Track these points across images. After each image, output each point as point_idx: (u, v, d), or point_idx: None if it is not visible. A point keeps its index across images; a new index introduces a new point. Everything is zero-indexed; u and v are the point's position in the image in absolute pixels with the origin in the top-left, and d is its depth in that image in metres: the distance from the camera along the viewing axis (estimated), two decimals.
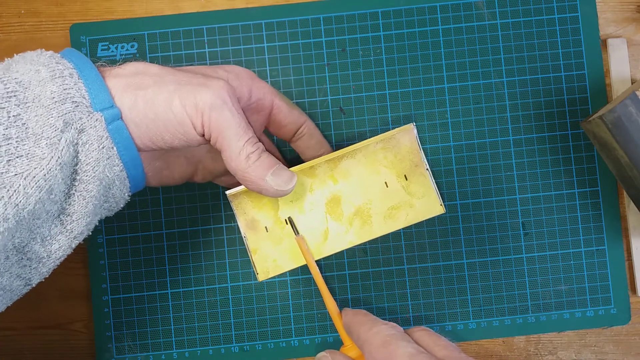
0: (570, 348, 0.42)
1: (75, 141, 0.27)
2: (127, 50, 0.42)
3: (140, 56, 0.42)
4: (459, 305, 0.41)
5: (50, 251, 0.29)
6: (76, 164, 0.28)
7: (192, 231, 0.42)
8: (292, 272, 0.41)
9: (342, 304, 0.41)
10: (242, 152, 0.31)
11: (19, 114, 0.26)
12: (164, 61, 0.42)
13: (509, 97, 0.42)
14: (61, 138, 0.27)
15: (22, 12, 0.43)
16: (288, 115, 0.37)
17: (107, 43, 0.42)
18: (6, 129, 0.26)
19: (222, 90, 0.30)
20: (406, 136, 0.36)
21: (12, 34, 0.43)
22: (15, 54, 0.30)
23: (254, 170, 0.31)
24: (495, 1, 0.42)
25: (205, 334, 0.42)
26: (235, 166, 0.31)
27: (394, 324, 0.33)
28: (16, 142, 0.26)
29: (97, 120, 0.28)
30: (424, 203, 0.36)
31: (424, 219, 0.36)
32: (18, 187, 0.26)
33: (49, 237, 0.29)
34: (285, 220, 0.36)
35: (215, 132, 0.30)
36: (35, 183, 0.26)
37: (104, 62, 0.37)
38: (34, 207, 0.26)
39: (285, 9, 0.42)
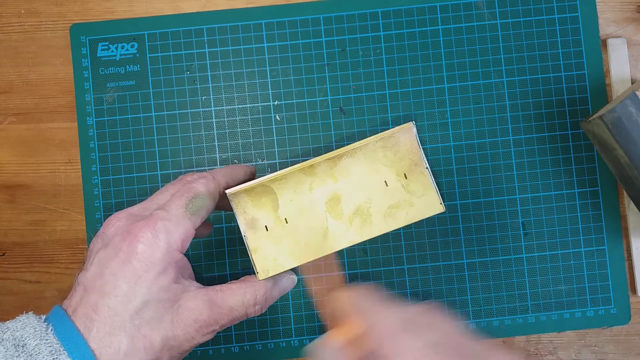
0: (570, 348, 0.42)
1: None
2: (127, 50, 0.42)
3: (140, 56, 0.42)
4: (459, 305, 0.41)
5: None
6: None
7: None
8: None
9: None
10: (246, 310, 0.34)
11: None
12: (164, 61, 0.42)
13: (509, 97, 0.42)
14: None
15: (22, 12, 0.43)
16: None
17: (107, 43, 0.42)
18: None
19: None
20: (406, 135, 0.36)
21: (12, 34, 0.43)
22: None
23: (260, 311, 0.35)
24: (495, 1, 0.42)
25: None
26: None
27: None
28: None
29: None
30: (424, 201, 0.36)
31: (424, 217, 0.36)
32: None
33: None
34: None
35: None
36: None
37: None
38: None
39: (285, 9, 0.42)
